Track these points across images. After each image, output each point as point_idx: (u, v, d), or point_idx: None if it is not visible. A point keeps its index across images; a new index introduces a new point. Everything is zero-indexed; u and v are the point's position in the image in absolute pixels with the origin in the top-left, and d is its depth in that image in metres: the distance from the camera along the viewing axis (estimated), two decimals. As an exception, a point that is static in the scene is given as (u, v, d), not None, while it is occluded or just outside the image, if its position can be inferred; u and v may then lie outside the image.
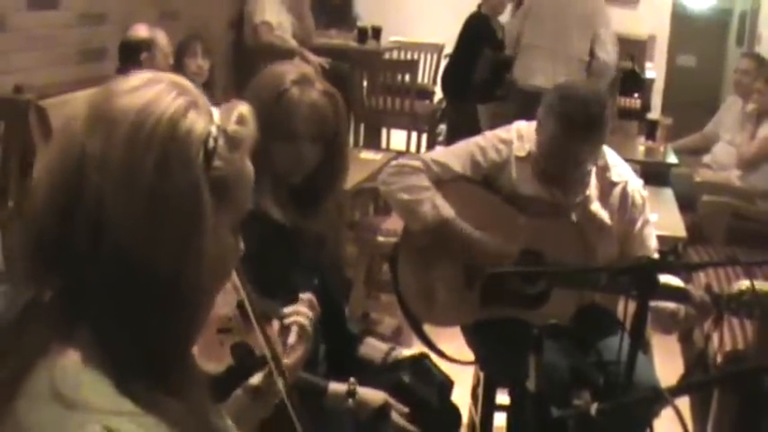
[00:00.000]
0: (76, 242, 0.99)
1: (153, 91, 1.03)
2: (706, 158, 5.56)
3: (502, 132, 2.84)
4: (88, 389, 0.98)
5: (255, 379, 1.57)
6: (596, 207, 2.75)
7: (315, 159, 2.10)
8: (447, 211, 2.70)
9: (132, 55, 4.33)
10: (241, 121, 1.09)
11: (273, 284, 1.80)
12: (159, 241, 1.00)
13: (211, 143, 1.04)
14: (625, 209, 2.76)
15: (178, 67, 4.69)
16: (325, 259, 2.27)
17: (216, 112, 1.08)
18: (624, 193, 2.77)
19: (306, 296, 1.77)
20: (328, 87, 2.12)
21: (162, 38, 4.53)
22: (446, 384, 2.40)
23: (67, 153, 1.01)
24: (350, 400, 2.07)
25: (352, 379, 2.09)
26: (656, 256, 2.74)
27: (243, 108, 1.11)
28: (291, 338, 1.68)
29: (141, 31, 4.53)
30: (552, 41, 5.69)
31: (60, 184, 1.01)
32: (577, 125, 2.58)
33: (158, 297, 1.01)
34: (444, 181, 2.76)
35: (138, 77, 1.06)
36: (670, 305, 2.49)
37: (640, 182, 2.87)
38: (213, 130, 1.05)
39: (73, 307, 1.01)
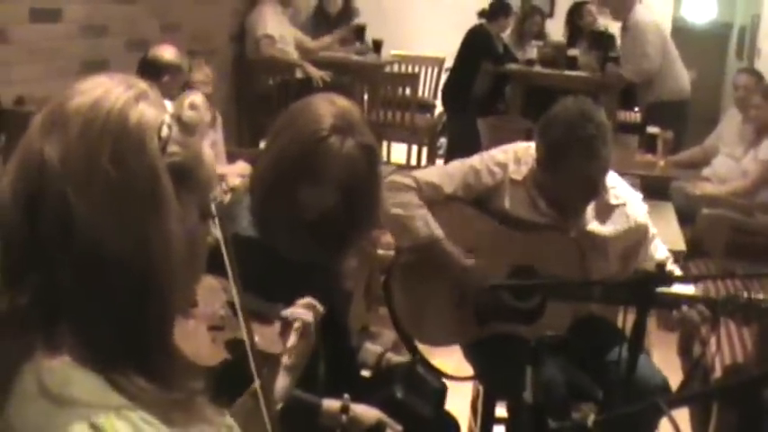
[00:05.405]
0: (45, 243, 1.02)
1: (102, 88, 1.07)
2: (706, 171, 5.57)
3: (498, 154, 2.81)
4: (75, 385, 1.00)
5: (258, 382, 1.57)
6: (593, 226, 2.73)
7: (332, 200, 2.07)
8: (438, 230, 2.69)
9: (155, 74, 4.18)
10: (194, 107, 1.12)
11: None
12: (125, 231, 1.02)
13: (165, 130, 1.06)
14: (628, 230, 2.74)
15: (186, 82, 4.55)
16: (335, 290, 2.27)
17: (169, 103, 1.11)
18: (626, 216, 2.74)
19: (306, 299, 1.77)
20: (366, 138, 2.05)
21: (185, 64, 4.46)
22: (440, 391, 2.38)
23: (27, 158, 1.04)
24: (343, 417, 2.04)
25: (345, 395, 2.07)
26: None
27: (194, 96, 1.14)
28: (293, 338, 1.68)
29: (168, 53, 4.40)
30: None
31: (23, 189, 1.03)
32: (595, 138, 2.55)
33: (131, 285, 1.03)
34: (436, 202, 2.75)
35: (89, 81, 1.09)
36: None
37: (639, 196, 2.86)
38: (166, 118, 1.08)
39: (51, 308, 1.03)
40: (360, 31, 7.54)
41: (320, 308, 1.76)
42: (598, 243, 2.73)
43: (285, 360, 1.66)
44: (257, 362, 1.46)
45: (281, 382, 1.67)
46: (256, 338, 1.50)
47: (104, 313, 1.03)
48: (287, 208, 2.05)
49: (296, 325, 1.70)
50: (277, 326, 1.69)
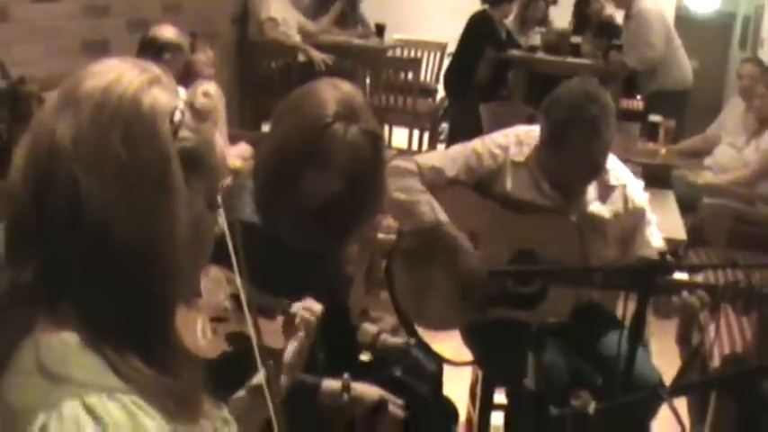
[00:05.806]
0: (54, 223, 1.02)
1: (116, 71, 1.07)
2: (707, 161, 5.56)
3: (500, 137, 2.81)
4: (72, 364, 1.01)
5: (257, 378, 1.56)
6: (595, 208, 2.74)
7: (336, 187, 2.06)
8: (442, 215, 2.69)
9: (155, 53, 4.16)
10: (207, 94, 1.12)
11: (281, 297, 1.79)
12: (132, 213, 1.03)
13: (178, 116, 1.07)
14: (627, 212, 2.75)
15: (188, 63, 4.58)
16: (336, 274, 2.27)
17: (182, 90, 1.11)
18: (624, 197, 2.76)
19: (307, 301, 1.76)
20: (370, 124, 2.04)
21: (185, 43, 4.41)
22: (436, 375, 2.38)
23: (39, 139, 1.05)
24: (345, 396, 2.04)
25: (346, 375, 2.07)
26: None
27: (208, 85, 1.14)
28: (295, 334, 1.68)
29: (168, 31, 4.37)
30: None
31: (34, 169, 1.04)
32: (598, 119, 2.56)
33: (135, 267, 1.04)
34: (437, 186, 2.74)
35: (103, 63, 1.09)
36: None
37: (640, 183, 2.86)
38: (179, 103, 1.08)
39: (54, 285, 1.04)
40: (379, 30, 7.44)
41: (320, 307, 1.75)
42: (597, 225, 2.74)
43: (285, 356, 1.65)
44: (262, 356, 1.45)
45: (282, 377, 1.66)
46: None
47: (107, 293, 1.04)
48: (290, 194, 2.03)
49: (297, 321, 1.69)
50: (279, 321, 1.68)
